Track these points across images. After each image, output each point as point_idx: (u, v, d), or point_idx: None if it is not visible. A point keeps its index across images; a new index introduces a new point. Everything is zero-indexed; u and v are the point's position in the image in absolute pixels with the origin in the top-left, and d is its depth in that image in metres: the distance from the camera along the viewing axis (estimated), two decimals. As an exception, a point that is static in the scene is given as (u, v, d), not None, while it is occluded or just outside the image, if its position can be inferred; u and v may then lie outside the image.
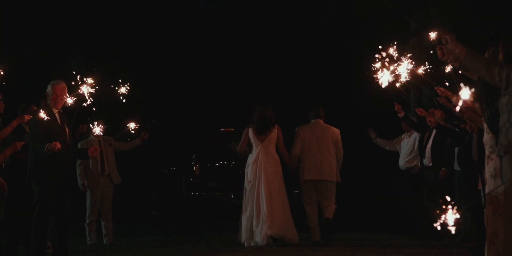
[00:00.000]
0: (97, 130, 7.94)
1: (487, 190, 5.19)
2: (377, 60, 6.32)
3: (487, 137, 5.26)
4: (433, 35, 5.51)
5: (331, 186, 9.63)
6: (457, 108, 4.62)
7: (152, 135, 10.34)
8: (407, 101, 9.43)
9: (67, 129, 7.62)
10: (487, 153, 5.24)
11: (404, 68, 6.34)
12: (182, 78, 16.79)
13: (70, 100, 7.44)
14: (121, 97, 7.91)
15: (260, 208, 9.20)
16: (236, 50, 17.23)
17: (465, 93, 4.48)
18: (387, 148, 11.32)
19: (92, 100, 7.33)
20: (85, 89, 7.31)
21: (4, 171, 7.98)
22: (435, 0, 12.06)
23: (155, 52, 16.45)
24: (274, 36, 16.48)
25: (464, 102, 4.50)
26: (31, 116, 7.54)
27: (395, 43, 6.46)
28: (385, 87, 6.32)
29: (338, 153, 9.76)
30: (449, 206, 3.95)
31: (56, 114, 7.52)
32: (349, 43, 14.92)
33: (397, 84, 6.69)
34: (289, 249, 8.74)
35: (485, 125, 5.29)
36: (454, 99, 6.83)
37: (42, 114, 7.22)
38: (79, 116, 7.83)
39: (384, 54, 6.26)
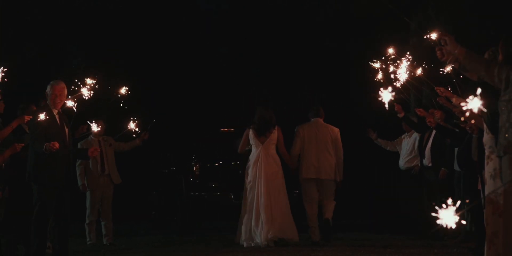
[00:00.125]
0: (95, 127, 7.96)
1: (486, 190, 5.20)
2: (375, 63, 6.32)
3: (487, 138, 5.26)
4: (433, 35, 5.51)
5: (329, 185, 9.65)
6: (467, 114, 4.37)
7: (152, 135, 10.34)
8: (407, 102, 9.43)
9: (66, 129, 7.62)
10: (486, 153, 5.24)
11: (404, 68, 6.35)
12: (182, 78, 16.79)
13: (70, 103, 7.43)
14: (121, 104, 7.93)
15: (260, 210, 9.21)
16: (236, 50, 17.24)
17: (475, 103, 4.21)
18: (388, 148, 11.33)
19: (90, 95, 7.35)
20: (85, 91, 7.33)
21: (4, 171, 7.99)
22: (435, 0, 12.07)
23: (155, 52, 16.45)
24: (274, 36, 16.49)
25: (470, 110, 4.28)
26: (31, 117, 7.54)
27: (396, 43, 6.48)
28: (385, 88, 6.32)
29: (338, 152, 9.78)
30: (449, 207, 3.95)
31: (56, 114, 7.52)
32: (349, 43, 14.93)
33: (397, 84, 6.70)
34: (289, 249, 8.74)
35: (484, 125, 5.29)
36: (454, 99, 6.84)
37: (42, 116, 7.22)
38: (79, 116, 7.84)
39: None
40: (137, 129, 8.67)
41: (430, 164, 9.98)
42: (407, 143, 10.84)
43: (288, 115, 13.45)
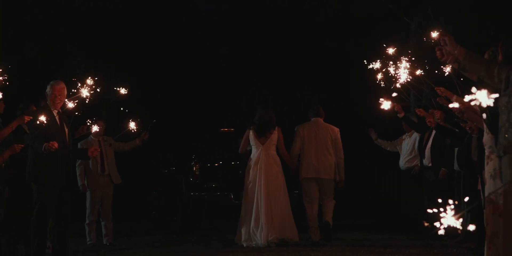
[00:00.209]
0: (95, 127, 7.97)
1: (486, 190, 5.19)
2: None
3: (486, 138, 5.26)
4: (433, 35, 5.51)
5: (329, 184, 9.67)
6: (456, 105, 4.44)
7: (152, 135, 10.34)
8: (407, 102, 9.43)
9: (66, 129, 7.62)
10: (486, 153, 5.24)
11: (404, 68, 6.34)
12: (182, 78, 16.80)
13: (70, 104, 7.43)
14: (121, 108, 7.93)
15: (260, 211, 9.21)
16: (236, 50, 17.24)
17: (482, 95, 4.11)
18: (388, 149, 11.33)
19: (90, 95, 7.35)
20: (84, 92, 7.33)
21: (4, 171, 7.99)
22: (435, 0, 12.07)
23: (155, 52, 16.45)
24: (274, 36, 16.49)
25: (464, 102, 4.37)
26: (31, 117, 7.54)
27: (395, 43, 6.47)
28: (385, 88, 6.33)
29: (338, 152, 9.78)
30: (449, 208, 3.94)
31: (56, 115, 7.52)
32: (349, 43, 14.93)
33: (397, 85, 6.70)
34: (289, 249, 8.74)
35: (484, 125, 5.29)
36: (454, 99, 6.84)
37: (42, 116, 7.22)
38: (79, 116, 7.84)
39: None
40: (135, 128, 8.66)
41: (430, 164, 9.97)
42: (407, 143, 10.85)
43: (288, 115, 13.46)
